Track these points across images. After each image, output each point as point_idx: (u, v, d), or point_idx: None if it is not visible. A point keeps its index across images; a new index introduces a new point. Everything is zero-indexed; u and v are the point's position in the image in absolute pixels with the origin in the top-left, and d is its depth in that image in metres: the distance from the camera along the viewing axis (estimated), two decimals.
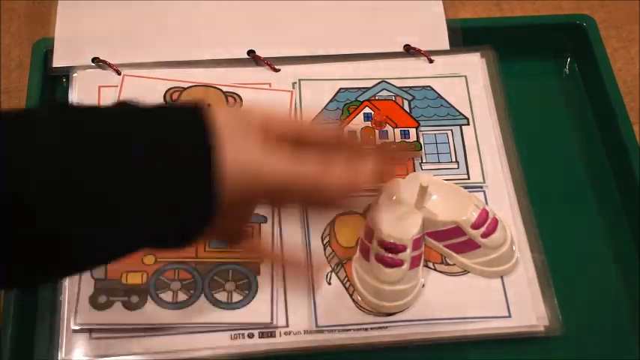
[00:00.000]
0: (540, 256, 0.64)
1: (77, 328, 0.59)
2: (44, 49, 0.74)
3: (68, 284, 0.61)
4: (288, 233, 0.64)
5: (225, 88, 0.72)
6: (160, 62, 0.73)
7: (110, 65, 0.72)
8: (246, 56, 0.74)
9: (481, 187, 0.67)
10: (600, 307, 0.65)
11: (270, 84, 0.72)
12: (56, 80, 0.74)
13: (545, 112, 0.76)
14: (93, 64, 0.73)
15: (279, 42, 0.75)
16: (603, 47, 0.76)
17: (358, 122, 0.69)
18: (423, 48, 0.75)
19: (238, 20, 0.76)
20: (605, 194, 0.71)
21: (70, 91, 0.71)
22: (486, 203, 0.65)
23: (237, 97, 0.71)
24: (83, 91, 0.71)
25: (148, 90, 0.71)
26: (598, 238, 0.68)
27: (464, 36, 0.75)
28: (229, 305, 0.60)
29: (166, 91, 0.71)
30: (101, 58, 0.72)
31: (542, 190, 0.70)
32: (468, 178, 0.67)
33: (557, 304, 0.62)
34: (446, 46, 0.75)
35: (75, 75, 0.72)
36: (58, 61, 0.73)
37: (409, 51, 0.74)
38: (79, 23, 0.75)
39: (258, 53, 0.74)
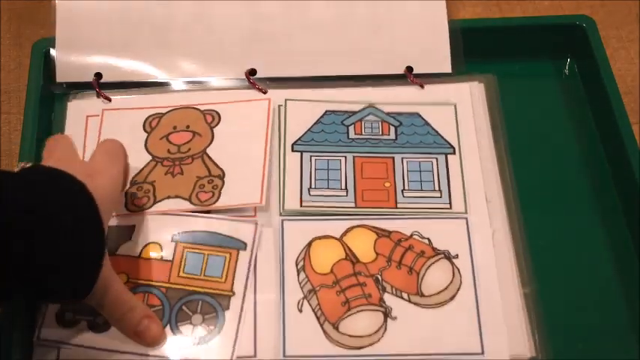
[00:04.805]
0: (530, 289, 0.63)
1: (38, 342, 0.59)
2: (44, 50, 0.74)
3: None
4: (262, 256, 0.64)
5: (202, 107, 0.72)
6: (152, 82, 0.73)
7: (100, 93, 0.72)
8: (242, 76, 0.73)
9: (463, 217, 0.66)
10: (600, 308, 0.65)
11: None
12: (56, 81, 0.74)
13: (544, 113, 0.76)
14: (91, 86, 0.73)
15: (276, 61, 0.74)
16: (603, 48, 0.75)
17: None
18: (424, 70, 0.74)
19: (236, 38, 0.75)
20: (605, 195, 0.71)
21: (65, 116, 0.72)
22: (468, 234, 0.65)
23: (215, 115, 0.71)
24: (72, 120, 0.71)
25: (127, 120, 0.71)
26: (597, 238, 0.68)
27: (464, 36, 0.75)
28: (192, 340, 0.60)
29: (145, 120, 0.71)
30: (96, 81, 0.73)
31: (541, 191, 0.70)
32: (450, 208, 0.67)
33: (545, 341, 0.61)
34: (448, 69, 0.74)
35: (68, 103, 0.72)
36: (60, 77, 0.73)
37: (410, 72, 0.74)
38: (80, 36, 0.74)
39: (253, 72, 0.73)
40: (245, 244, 0.64)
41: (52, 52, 0.73)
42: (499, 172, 0.69)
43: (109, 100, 0.72)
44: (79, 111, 0.72)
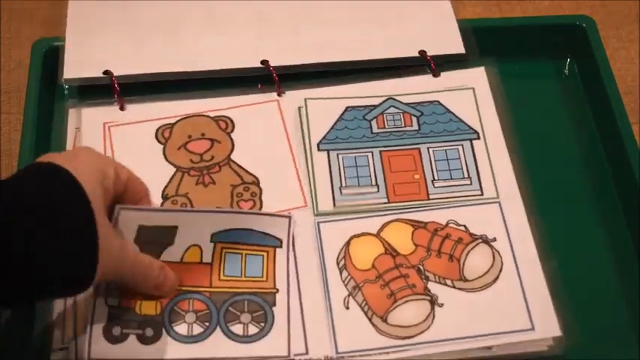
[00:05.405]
0: (552, 265, 0.64)
1: None
2: (44, 49, 0.74)
3: (78, 311, 0.59)
4: (302, 257, 0.64)
5: (213, 114, 0.71)
6: (161, 82, 0.72)
7: (116, 91, 0.71)
8: (257, 65, 0.73)
9: (496, 201, 0.66)
10: (600, 308, 0.65)
11: None
12: (55, 81, 0.74)
13: (544, 113, 0.76)
14: (103, 77, 0.72)
15: (289, 52, 0.74)
16: (603, 48, 0.76)
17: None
18: (438, 52, 0.74)
19: (247, 30, 0.75)
20: (605, 195, 0.71)
21: (64, 115, 0.70)
22: (502, 217, 0.65)
23: (227, 120, 0.71)
24: (89, 131, 0.69)
25: (136, 134, 0.69)
26: (597, 238, 0.68)
27: (464, 36, 0.75)
28: (245, 338, 0.59)
29: (157, 131, 0.70)
30: (109, 80, 0.71)
31: (542, 191, 0.70)
32: (482, 194, 0.67)
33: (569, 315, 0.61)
34: (461, 49, 0.74)
35: (81, 111, 0.70)
36: (68, 73, 0.72)
37: (422, 57, 0.74)
38: (89, 35, 0.74)
39: (267, 63, 0.73)
40: (280, 240, 0.64)
41: (60, 47, 0.73)
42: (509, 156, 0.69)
43: (123, 109, 0.71)
44: (95, 119, 0.70)
